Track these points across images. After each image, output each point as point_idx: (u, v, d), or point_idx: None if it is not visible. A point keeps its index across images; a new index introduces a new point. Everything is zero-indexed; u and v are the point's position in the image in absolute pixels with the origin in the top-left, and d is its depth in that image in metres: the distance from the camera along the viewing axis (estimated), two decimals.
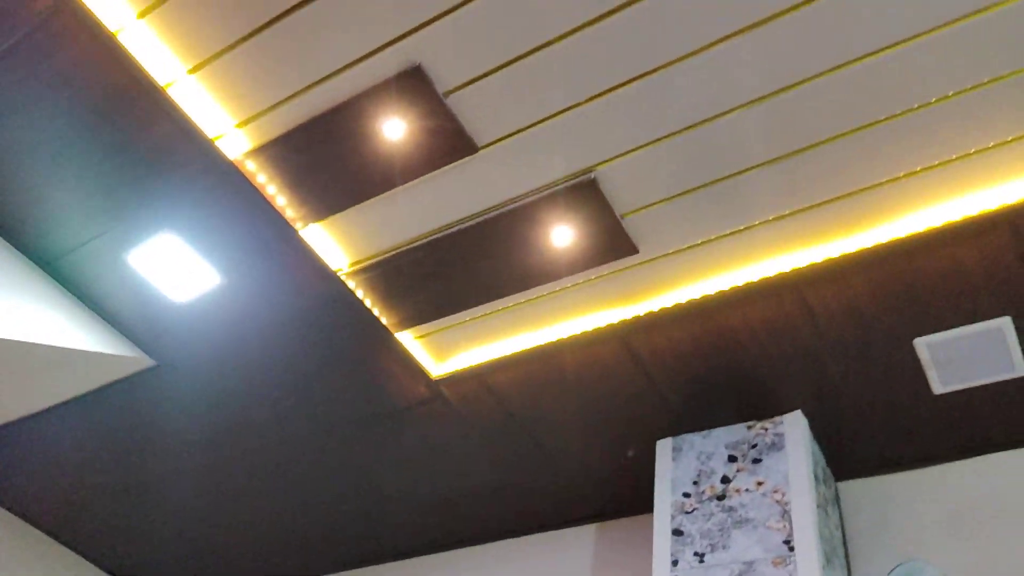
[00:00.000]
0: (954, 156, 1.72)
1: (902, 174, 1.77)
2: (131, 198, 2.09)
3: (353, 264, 2.19)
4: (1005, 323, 1.91)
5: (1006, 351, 1.96)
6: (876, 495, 2.33)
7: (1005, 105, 1.64)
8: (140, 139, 1.95)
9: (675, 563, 2.12)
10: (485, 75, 1.75)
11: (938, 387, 2.09)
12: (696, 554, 2.11)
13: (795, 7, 1.56)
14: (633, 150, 1.82)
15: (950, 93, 1.63)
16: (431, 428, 2.57)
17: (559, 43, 1.67)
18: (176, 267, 2.21)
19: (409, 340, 2.36)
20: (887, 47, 1.59)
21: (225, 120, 1.93)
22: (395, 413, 2.55)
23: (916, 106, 1.66)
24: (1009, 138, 1.68)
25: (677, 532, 2.18)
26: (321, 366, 2.44)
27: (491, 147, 1.87)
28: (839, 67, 1.63)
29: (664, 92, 1.72)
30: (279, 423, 2.65)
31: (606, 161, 1.86)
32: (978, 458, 2.22)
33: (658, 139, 1.79)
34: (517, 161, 1.89)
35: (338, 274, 2.20)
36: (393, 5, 1.67)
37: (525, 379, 2.35)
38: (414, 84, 1.77)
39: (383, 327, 2.30)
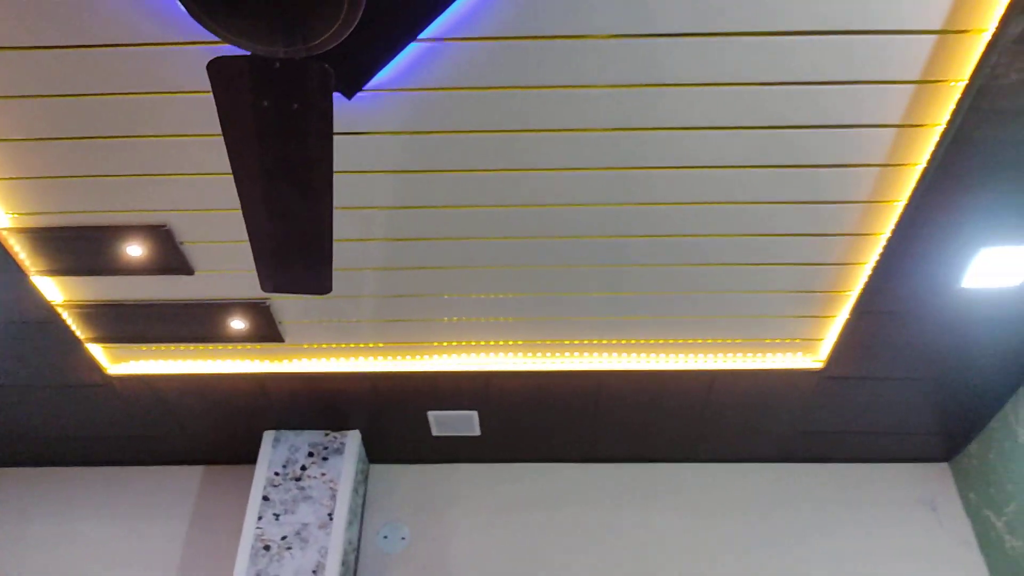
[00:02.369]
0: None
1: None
2: None
3: (67, 301, 2.94)
4: (473, 415, 3.52)
5: (472, 425, 3.59)
6: (387, 477, 3.89)
7: None
8: None
9: (260, 518, 3.41)
10: (214, 242, 2.69)
11: (435, 431, 3.67)
12: (274, 514, 3.43)
13: None
14: (296, 297, 2.94)
15: None
16: (97, 401, 3.44)
17: None
18: None
19: (98, 350, 3.19)
20: None
21: None
22: (75, 388, 3.36)
23: None
24: None
25: (265, 498, 3.47)
26: (26, 359, 3.14)
27: (203, 273, 2.82)
28: None
29: None
30: None
31: (278, 296, 2.94)
32: (436, 465, 3.90)
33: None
34: (219, 284, 2.87)
35: (52, 304, 2.93)
36: (151, 184, 2.50)
37: (182, 385, 3.35)
38: (161, 233, 2.63)
39: (80, 340, 3.10)
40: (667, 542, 3.64)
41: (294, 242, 1.95)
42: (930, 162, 2.35)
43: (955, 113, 2.21)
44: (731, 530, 3.65)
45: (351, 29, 1.52)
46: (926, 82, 2.16)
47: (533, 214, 2.58)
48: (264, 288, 2.10)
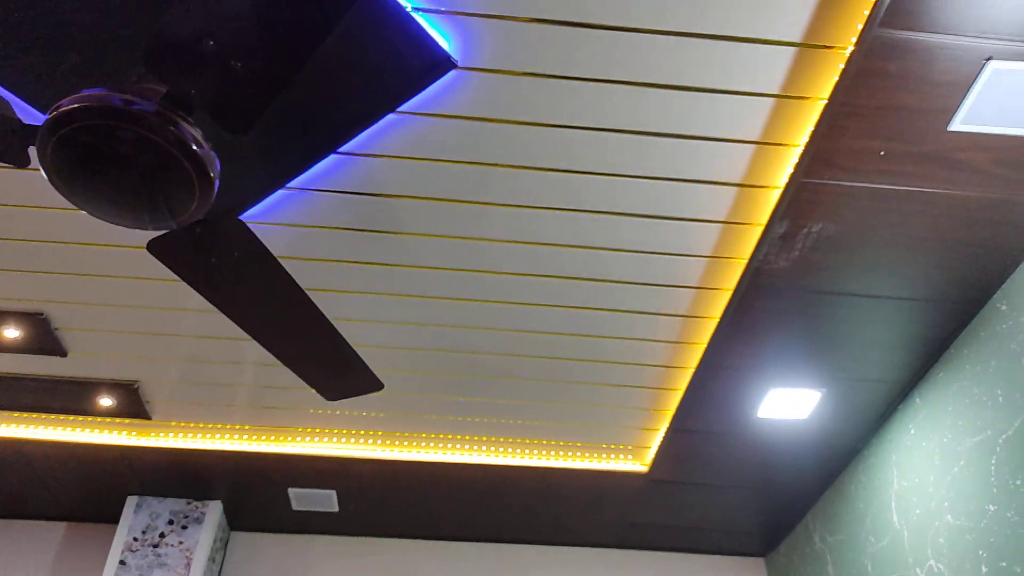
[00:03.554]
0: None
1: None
2: None
3: None
4: (332, 493, 3.76)
5: (331, 502, 3.83)
6: (249, 545, 4.06)
7: None
8: None
9: None
10: (89, 330, 2.89)
11: (295, 506, 3.88)
12: None
13: None
14: (164, 381, 3.15)
15: None
16: None
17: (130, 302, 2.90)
18: None
19: None
20: None
21: None
22: None
23: None
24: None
25: (122, 562, 3.60)
26: None
27: (75, 356, 3.00)
28: None
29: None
30: None
31: (146, 379, 3.14)
32: (295, 536, 4.10)
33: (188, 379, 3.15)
34: (91, 364, 3.05)
35: None
36: (29, 278, 2.70)
37: (48, 450, 3.48)
38: (37, 320, 2.81)
39: None
40: None
41: (322, 352, 2.14)
42: (722, 318, 2.79)
43: (739, 283, 2.65)
44: None
45: (210, 204, 1.79)
46: (716, 257, 2.60)
47: (382, 328, 2.89)
48: (330, 399, 2.32)
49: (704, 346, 2.93)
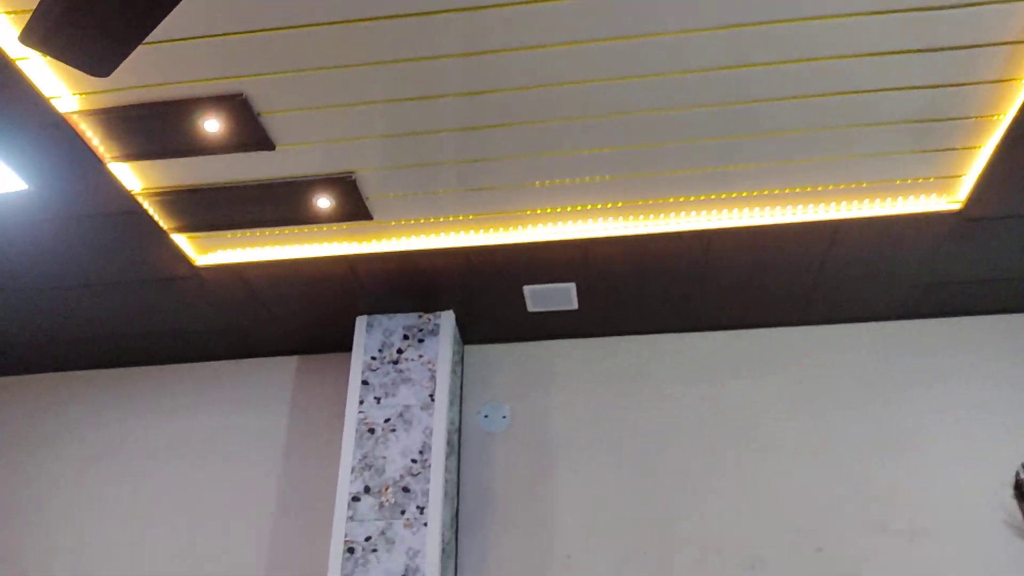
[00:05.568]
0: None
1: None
2: None
3: (146, 189, 2.82)
4: (570, 287, 3.34)
5: (569, 298, 3.42)
6: (483, 358, 3.79)
7: None
8: None
9: (361, 402, 3.36)
10: (295, 109, 2.49)
11: (531, 307, 3.51)
12: (375, 398, 3.37)
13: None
14: (381, 168, 2.75)
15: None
16: (187, 294, 3.38)
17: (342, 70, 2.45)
18: None
19: (184, 241, 3.09)
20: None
21: (62, 86, 2.38)
22: (159, 282, 3.29)
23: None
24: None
25: (365, 383, 3.40)
26: (103, 251, 3.07)
27: (285, 147, 2.64)
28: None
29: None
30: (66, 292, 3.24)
31: (364, 169, 2.75)
32: (533, 343, 3.77)
33: (390, 165, 2.73)
34: (302, 158, 2.69)
35: (132, 193, 2.81)
36: (223, 48, 2.30)
37: (271, 273, 3.25)
38: (237, 104, 2.44)
39: (164, 231, 2.99)
40: (775, 410, 3.46)
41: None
42: None
43: None
44: (844, 394, 3.45)
45: None
46: None
47: (631, 48, 2.29)
48: (23, 37, 1.55)
49: None
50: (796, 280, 3.30)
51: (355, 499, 3.15)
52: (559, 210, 2.96)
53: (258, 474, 3.62)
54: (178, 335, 3.74)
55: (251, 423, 3.75)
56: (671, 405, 3.54)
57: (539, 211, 2.97)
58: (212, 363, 3.95)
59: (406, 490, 3.15)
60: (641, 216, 2.99)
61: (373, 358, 3.45)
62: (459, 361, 3.69)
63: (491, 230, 3.06)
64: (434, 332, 3.49)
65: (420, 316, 3.53)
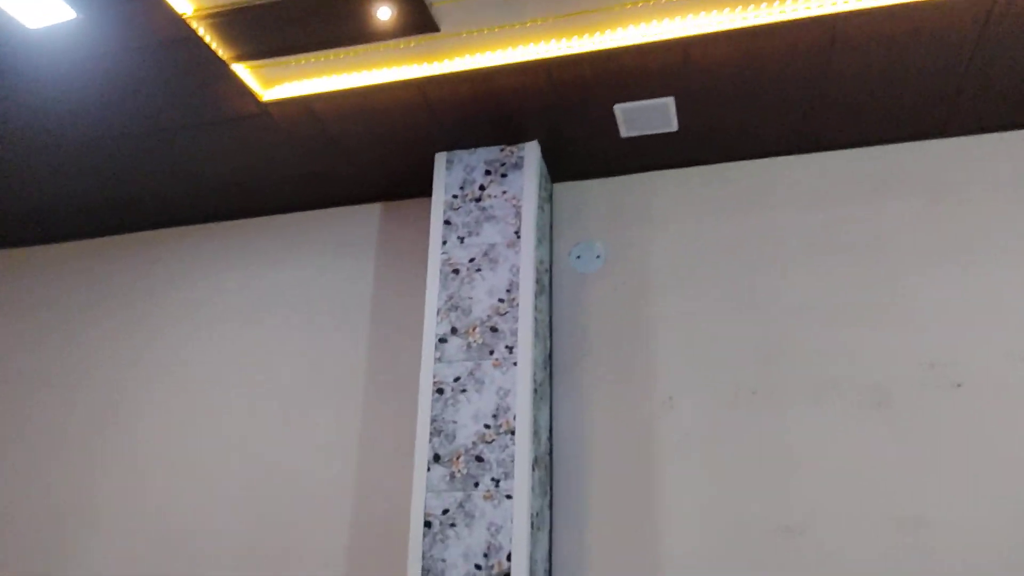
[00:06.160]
0: None
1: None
2: None
3: (198, 11, 2.59)
4: (668, 102, 2.95)
5: (667, 117, 3.04)
6: (573, 196, 3.50)
7: None
8: None
9: (444, 243, 3.16)
10: None
11: (624, 131, 3.16)
12: (459, 237, 3.16)
13: None
14: None
15: None
16: (257, 136, 3.21)
17: None
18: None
19: (246, 73, 2.88)
20: None
21: None
22: (225, 122, 3.12)
23: None
24: None
25: (447, 222, 3.19)
26: (163, 88, 2.90)
27: None
28: None
29: None
30: (125, 128, 3.12)
31: None
32: (627, 176, 3.43)
33: None
34: None
35: (183, 16, 2.60)
36: None
37: (341, 107, 3.02)
38: None
39: (221, 60, 2.79)
40: (906, 234, 3.03)
41: None
42: None
43: None
44: (988, 214, 2.97)
45: None
46: None
47: None
48: None
49: None
50: (940, 76, 2.79)
51: (442, 340, 3.00)
52: (652, 2, 2.56)
53: (345, 324, 3.54)
54: (256, 186, 3.61)
55: (337, 272, 3.65)
56: (785, 235, 3.17)
57: (628, 4, 2.57)
58: (294, 215, 3.83)
59: (494, 330, 2.97)
60: (752, 4, 2.55)
61: (454, 196, 3.22)
62: (547, 199, 3.42)
63: (574, 36, 2.70)
64: (518, 166, 3.21)
65: (502, 149, 3.25)
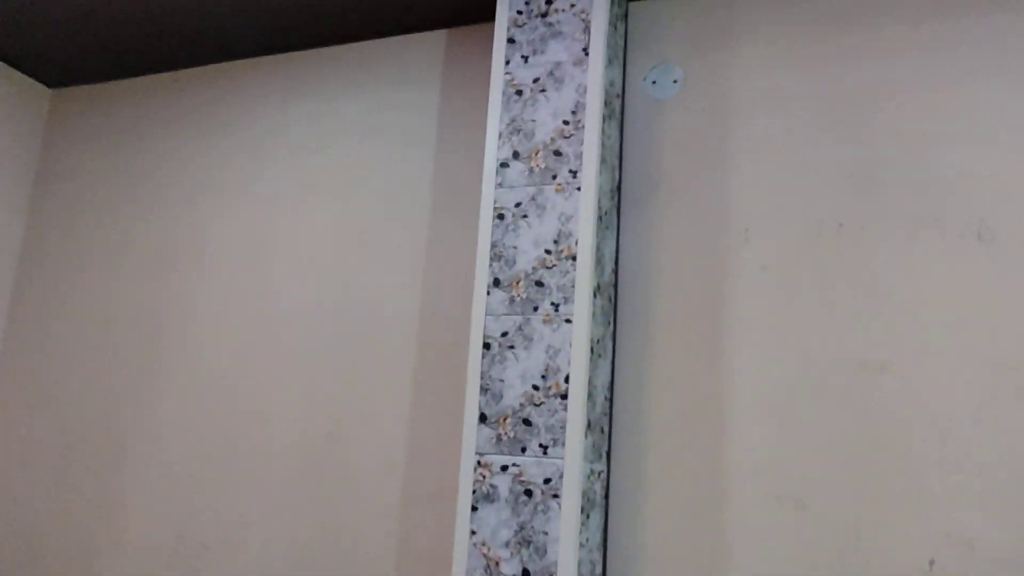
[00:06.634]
0: None
1: None
2: None
3: None
4: None
5: None
6: (650, 16, 3.20)
7: None
8: None
9: (507, 62, 2.98)
10: None
11: None
12: (522, 56, 2.96)
13: None
14: None
15: None
16: None
17: None
18: None
19: None
20: None
21: None
22: None
23: None
24: None
25: (511, 40, 2.99)
26: None
27: None
28: None
29: None
30: None
31: None
32: None
33: None
34: None
35: None
36: None
37: None
38: None
39: None
40: None
41: None
42: None
43: None
44: None
45: None
46: None
47: None
48: None
49: None
50: None
51: (503, 165, 2.88)
52: None
53: (412, 152, 3.45)
54: (320, 11, 3.48)
55: (402, 101, 3.53)
56: (894, 52, 2.83)
57: None
58: (360, 43, 3.70)
59: (557, 153, 2.82)
60: None
61: (519, 12, 3.00)
62: (621, 16, 3.14)
63: None
64: None
65: None
